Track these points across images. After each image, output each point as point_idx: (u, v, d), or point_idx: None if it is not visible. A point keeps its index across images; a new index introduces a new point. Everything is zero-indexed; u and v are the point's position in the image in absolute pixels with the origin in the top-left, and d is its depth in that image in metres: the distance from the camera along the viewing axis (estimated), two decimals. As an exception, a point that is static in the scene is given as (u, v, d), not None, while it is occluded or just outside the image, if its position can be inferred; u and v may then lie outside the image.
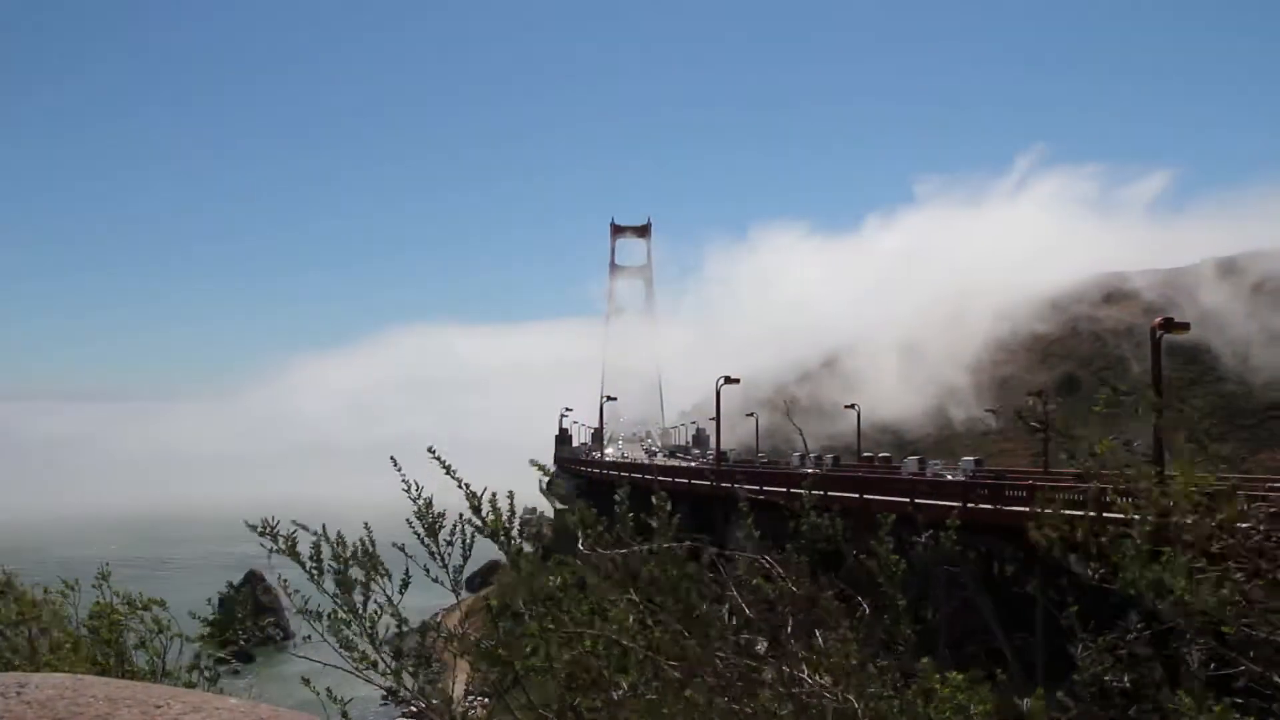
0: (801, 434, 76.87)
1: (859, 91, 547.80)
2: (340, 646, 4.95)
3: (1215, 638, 4.01)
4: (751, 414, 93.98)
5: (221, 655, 8.26)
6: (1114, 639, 4.28)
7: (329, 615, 5.01)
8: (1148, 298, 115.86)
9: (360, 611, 5.02)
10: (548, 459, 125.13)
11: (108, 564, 7.04)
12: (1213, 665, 4.04)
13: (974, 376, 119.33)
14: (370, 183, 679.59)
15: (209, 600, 8.35)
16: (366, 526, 5.23)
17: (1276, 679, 3.93)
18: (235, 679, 8.04)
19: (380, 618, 5.08)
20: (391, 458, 5.38)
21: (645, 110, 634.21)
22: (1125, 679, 4.13)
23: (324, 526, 5.20)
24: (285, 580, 5.42)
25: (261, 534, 5.22)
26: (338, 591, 5.07)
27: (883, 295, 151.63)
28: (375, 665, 4.92)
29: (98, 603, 6.78)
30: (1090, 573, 4.22)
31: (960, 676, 4.08)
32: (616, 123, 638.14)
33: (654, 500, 4.73)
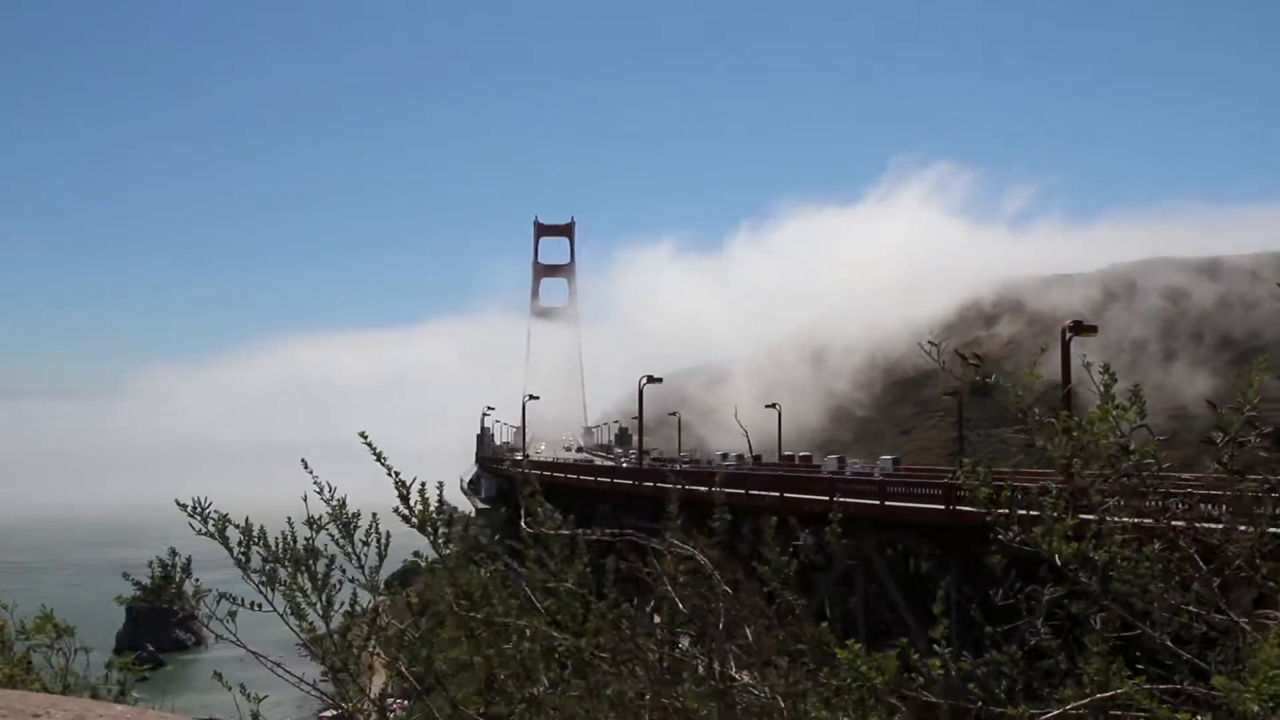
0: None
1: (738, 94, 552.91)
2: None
3: (1122, 604, 4.08)
4: (674, 413, 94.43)
5: (128, 664, 7.96)
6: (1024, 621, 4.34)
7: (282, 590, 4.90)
8: (1009, 329, 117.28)
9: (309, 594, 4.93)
10: (469, 460, 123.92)
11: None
12: (1115, 631, 4.11)
13: (837, 409, 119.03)
14: (284, 186, 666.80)
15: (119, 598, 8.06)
16: (290, 522, 5.13)
17: (1172, 645, 4.02)
18: (142, 685, 7.77)
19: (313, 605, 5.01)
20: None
21: (557, 114, 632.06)
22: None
23: (253, 524, 5.08)
24: (199, 583, 5.30)
25: (191, 514, 5.09)
26: (264, 581, 4.97)
27: (750, 316, 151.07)
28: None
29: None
30: (1012, 535, 4.29)
31: (858, 644, 4.07)
32: (534, 125, 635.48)
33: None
